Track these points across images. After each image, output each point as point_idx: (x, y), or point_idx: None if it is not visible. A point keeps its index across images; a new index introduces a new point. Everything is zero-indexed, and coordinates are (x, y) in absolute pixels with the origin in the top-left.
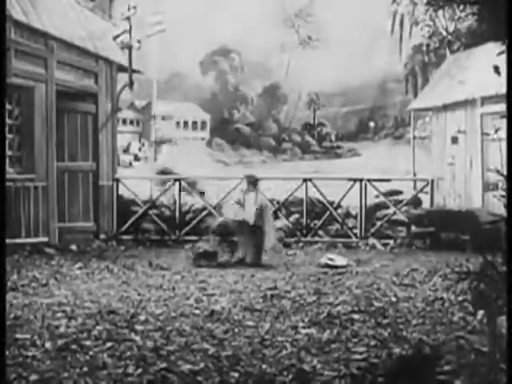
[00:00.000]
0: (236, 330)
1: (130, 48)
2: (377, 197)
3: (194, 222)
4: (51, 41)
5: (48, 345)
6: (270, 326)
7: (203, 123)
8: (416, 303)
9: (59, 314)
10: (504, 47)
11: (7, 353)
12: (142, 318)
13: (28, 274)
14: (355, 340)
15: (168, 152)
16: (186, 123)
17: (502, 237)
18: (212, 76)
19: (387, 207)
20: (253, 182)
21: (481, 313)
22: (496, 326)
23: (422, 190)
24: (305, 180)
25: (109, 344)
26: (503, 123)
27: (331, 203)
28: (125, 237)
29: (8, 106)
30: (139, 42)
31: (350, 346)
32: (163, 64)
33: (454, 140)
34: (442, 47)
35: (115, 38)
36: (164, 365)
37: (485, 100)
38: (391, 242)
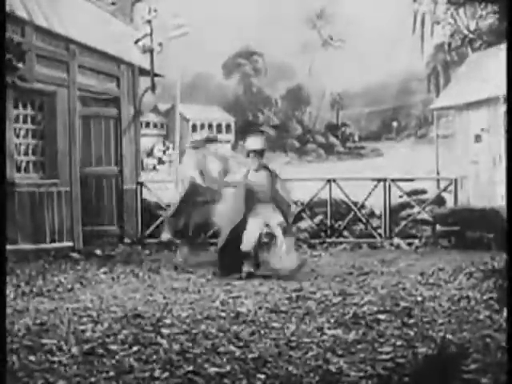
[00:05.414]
0: (262, 332)
1: (151, 51)
2: (401, 196)
3: None
4: (73, 45)
5: (74, 350)
6: (295, 328)
7: (228, 126)
8: (442, 302)
9: (85, 319)
10: None
11: (33, 358)
12: (168, 321)
13: (53, 279)
14: (381, 340)
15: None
16: (210, 126)
17: None
18: (235, 78)
19: (411, 207)
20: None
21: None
22: None
23: (445, 189)
24: (329, 180)
25: (135, 348)
26: None
27: (355, 203)
28: (149, 240)
29: (31, 111)
30: (161, 45)
31: (376, 346)
32: (187, 67)
33: (478, 138)
34: (463, 46)
35: (136, 41)
36: (191, 368)
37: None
38: (416, 241)
